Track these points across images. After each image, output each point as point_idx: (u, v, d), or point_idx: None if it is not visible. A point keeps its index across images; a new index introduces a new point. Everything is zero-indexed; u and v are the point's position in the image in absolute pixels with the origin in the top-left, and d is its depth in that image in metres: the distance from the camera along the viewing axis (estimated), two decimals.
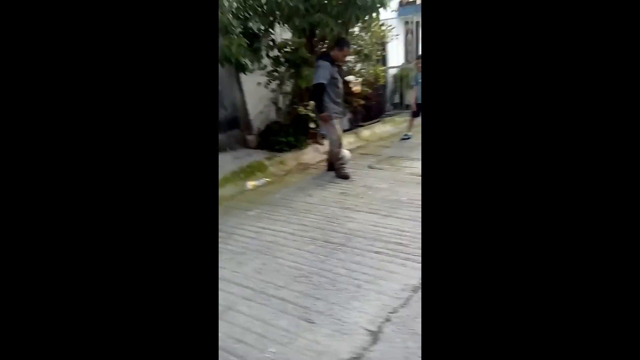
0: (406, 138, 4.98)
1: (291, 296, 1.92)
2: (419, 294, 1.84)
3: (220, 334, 1.64)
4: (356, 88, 3.76)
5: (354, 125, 5.67)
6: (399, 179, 3.53)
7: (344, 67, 5.17)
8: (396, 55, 7.04)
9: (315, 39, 3.83)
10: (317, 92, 3.33)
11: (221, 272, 2.19)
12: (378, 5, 3.45)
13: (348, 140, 5.24)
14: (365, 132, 5.52)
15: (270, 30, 3.84)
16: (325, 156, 4.49)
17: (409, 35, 7.55)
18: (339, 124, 3.64)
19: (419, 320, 1.67)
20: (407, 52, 7.56)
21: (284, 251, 2.38)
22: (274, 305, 1.86)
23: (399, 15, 6.91)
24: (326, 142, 4.62)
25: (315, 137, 4.64)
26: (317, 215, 2.85)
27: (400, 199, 3.04)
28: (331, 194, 3.30)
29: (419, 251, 2.24)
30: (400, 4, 6.89)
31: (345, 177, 3.62)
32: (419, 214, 2.77)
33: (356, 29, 4.03)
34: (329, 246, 2.38)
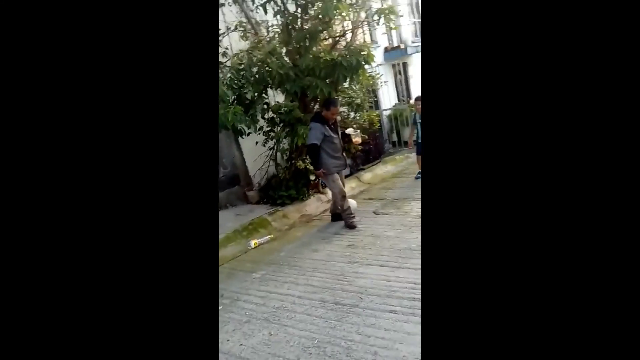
0: (419, 177, 4.89)
1: None
2: None
3: None
4: (356, 140, 3.83)
5: (355, 169, 5.70)
6: (407, 224, 3.45)
7: (339, 118, 5.35)
8: (389, 97, 7.28)
9: (307, 99, 3.99)
10: (311, 152, 3.54)
11: (226, 346, 2.07)
12: (363, 63, 3.61)
13: (350, 186, 5.23)
14: (367, 175, 5.53)
15: (264, 95, 4.02)
16: (329, 205, 4.50)
17: (399, 76, 7.86)
18: (341, 176, 3.68)
19: None
20: (398, 92, 7.83)
21: (293, 318, 2.26)
22: None
23: (386, 59, 7.25)
24: (329, 193, 4.66)
25: (317, 187, 4.65)
26: (325, 273, 2.76)
27: (411, 247, 2.95)
28: (338, 247, 3.22)
29: None
30: (386, 50, 7.26)
31: (353, 227, 3.56)
32: None
33: (345, 84, 4.19)
34: (340, 309, 2.26)
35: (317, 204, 4.50)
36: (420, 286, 2.35)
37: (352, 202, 3.71)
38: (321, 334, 2.06)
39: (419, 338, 1.86)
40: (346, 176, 5.47)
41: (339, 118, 4.88)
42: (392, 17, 3.62)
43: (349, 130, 3.63)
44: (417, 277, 2.46)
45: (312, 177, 4.35)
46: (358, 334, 1.99)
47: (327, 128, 3.45)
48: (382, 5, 3.88)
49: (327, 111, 3.44)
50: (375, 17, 3.72)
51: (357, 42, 4.00)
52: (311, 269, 2.87)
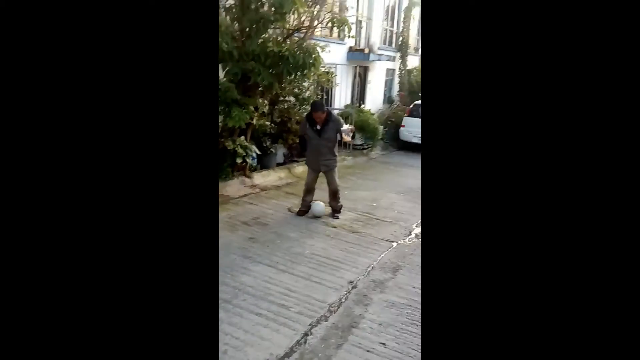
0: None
1: None
2: None
3: None
4: (345, 137, 3.81)
5: (289, 160, 5.77)
6: (311, 229, 3.65)
7: (285, 105, 5.33)
8: (343, 96, 7.39)
9: (248, 83, 3.92)
10: (300, 141, 4.12)
11: None
12: (310, 63, 3.64)
13: (279, 175, 5.33)
14: (299, 168, 5.64)
15: None
16: (250, 190, 4.56)
17: (357, 79, 7.99)
18: (312, 175, 3.85)
19: None
20: (353, 94, 7.98)
21: None
22: None
23: (349, 59, 7.31)
24: (255, 178, 4.69)
25: (244, 170, 4.65)
26: None
27: (304, 253, 3.14)
28: (239, 237, 3.30)
29: (299, 316, 2.32)
30: (350, 50, 7.31)
31: (299, 213, 3.88)
32: (315, 272, 2.88)
33: (291, 77, 4.19)
34: None
35: (238, 187, 4.51)
36: (293, 293, 2.55)
37: (319, 207, 3.87)
38: None
39: (269, 345, 2.04)
40: (278, 164, 5.58)
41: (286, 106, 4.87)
42: (345, 28, 3.67)
43: (344, 127, 3.67)
44: (296, 284, 2.65)
45: (239, 160, 4.33)
46: (218, 330, 2.12)
47: (311, 128, 3.70)
48: (338, 12, 3.89)
49: (314, 113, 3.64)
50: (329, 25, 3.74)
51: (312, 41, 3.99)
52: None
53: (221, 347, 1.98)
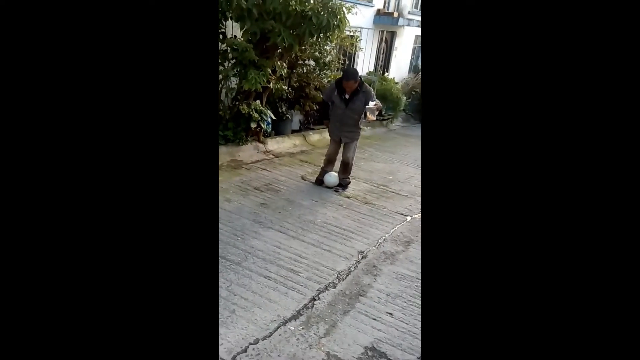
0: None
1: None
2: (287, 327, 1.93)
3: None
4: (370, 117, 3.55)
5: (305, 127, 5.66)
6: (324, 198, 3.61)
7: (304, 69, 5.13)
8: (366, 62, 7.06)
9: (267, 44, 3.74)
10: (322, 107, 4.01)
11: None
12: (335, 24, 3.42)
13: (293, 142, 5.25)
14: (315, 136, 5.54)
15: (221, 24, 3.69)
16: (264, 156, 4.52)
17: (382, 45, 7.58)
18: (334, 145, 3.73)
19: (276, 354, 1.76)
20: (377, 61, 7.61)
21: None
22: None
23: (375, 23, 6.90)
24: (269, 144, 4.62)
25: (258, 135, 4.59)
26: (226, 226, 2.85)
27: (315, 221, 3.12)
28: (251, 202, 3.30)
29: (308, 281, 2.33)
30: (377, 13, 6.87)
31: (317, 182, 3.82)
32: (326, 239, 2.87)
33: (313, 40, 3.97)
34: (223, 263, 2.40)
35: (252, 152, 4.47)
36: (302, 259, 2.55)
37: (332, 176, 3.78)
38: None
39: (277, 307, 2.07)
40: (294, 131, 5.47)
41: (304, 70, 4.67)
42: None
43: (371, 103, 3.39)
44: (306, 251, 2.65)
45: (254, 125, 4.26)
46: (227, 290, 2.15)
47: (338, 95, 3.47)
48: None
49: (345, 81, 3.41)
50: None
51: (338, 1, 3.73)
52: None
53: (230, 306, 2.02)
